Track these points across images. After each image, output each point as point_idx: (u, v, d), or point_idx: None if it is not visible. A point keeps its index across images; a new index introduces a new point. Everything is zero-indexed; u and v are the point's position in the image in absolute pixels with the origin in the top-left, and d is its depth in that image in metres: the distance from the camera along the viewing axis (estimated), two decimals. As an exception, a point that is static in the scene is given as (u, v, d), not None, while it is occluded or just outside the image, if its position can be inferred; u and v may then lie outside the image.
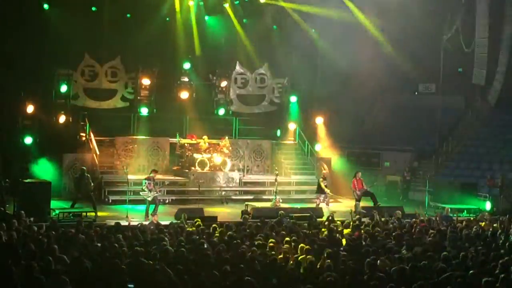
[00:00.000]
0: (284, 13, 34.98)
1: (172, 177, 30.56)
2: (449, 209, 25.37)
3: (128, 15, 32.66)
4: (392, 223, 21.49)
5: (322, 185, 27.30)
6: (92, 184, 25.76)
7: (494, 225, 21.74)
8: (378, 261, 14.93)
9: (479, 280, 13.19)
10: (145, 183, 24.67)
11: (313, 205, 27.92)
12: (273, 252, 15.65)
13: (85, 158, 29.46)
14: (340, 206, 28.72)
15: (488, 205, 28.80)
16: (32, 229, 18.08)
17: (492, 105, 34.58)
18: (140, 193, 24.92)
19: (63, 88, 31.24)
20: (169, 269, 13.94)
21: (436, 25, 33.82)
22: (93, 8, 31.83)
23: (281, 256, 15.19)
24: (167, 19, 33.81)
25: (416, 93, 36.82)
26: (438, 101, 36.14)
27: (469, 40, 34.64)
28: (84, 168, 26.13)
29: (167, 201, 27.98)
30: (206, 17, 34.73)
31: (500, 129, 35.09)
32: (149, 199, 24.54)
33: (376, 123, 33.32)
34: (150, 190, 24.56)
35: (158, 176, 26.08)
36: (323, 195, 27.34)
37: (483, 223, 22.05)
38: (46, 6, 30.58)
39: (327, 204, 26.96)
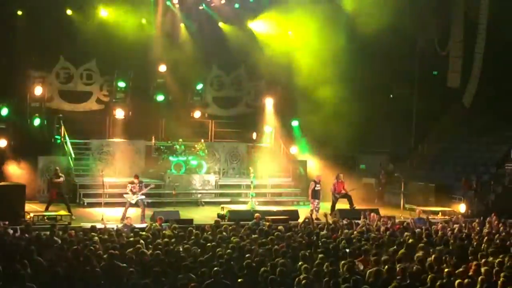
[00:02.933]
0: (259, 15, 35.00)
1: (148, 180, 30.45)
2: (421, 211, 25.47)
3: (104, 17, 32.49)
4: (368, 225, 21.55)
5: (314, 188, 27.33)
6: (58, 180, 25.46)
7: (469, 227, 21.89)
8: (354, 263, 14.99)
9: (453, 282, 13.29)
10: (129, 186, 24.69)
11: (289, 208, 28.16)
12: (248, 255, 15.65)
13: (60, 160, 29.30)
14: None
15: (462, 207, 28.97)
16: (6, 233, 17.97)
17: (466, 108, 34.79)
18: (124, 195, 24.90)
19: (38, 91, 31.08)
20: (145, 272, 13.92)
21: (411, 28, 33.97)
22: (68, 12, 31.67)
23: (257, 258, 15.19)
24: (143, 20, 33.68)
25: (391, 95, 36.94)
26: (413, 104, 36.35)
27: (444, 43, 34.85)
28: (57, 168, 26.00)
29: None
30: (182, 20, 34.66)
31: (475, 132, 35.32)
32: (133, 202, 24.53)
33: (352, 125, 33.37)
34: (134, 193, 24.55)
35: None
36: (317, 200, 27.24)
37: (457, 225, 22.18)
38: (19, 12, 30.42)
39: (317, 211, 26.87)
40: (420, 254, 15.71)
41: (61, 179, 25.58)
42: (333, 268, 14.29)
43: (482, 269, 14.03)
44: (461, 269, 14.30)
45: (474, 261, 15.15)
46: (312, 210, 26.72)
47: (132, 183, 24.87)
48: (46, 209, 24.69)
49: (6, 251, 15.48)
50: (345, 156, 35.23)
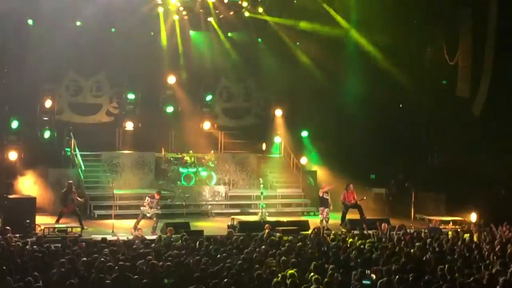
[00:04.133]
0: (268, 26, 35.03)
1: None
2: (438, 221, 25.40)
3: (113, 30, 32.62)
4: (379, 235, 21.50)
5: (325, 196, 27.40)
6: (80, 199, 25.78)
7: (480, 235, 21.78)
8: (365, 273, 14.95)
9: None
10: (148, 200, 24.79)
11: (299, 218, 28.13)
12: (258, 266, 15.61)
13: (70, 173, 29.39)
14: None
15: (473, 217, 28.84)
16: (17, 245, 18.00)
17: (476, 117, 34.68)
18: (141, 207, 25.01)
19: (48, 103, 31.13)
20: (156, 283, 13.92)
21: (420, 38, 33.97)
22: (78, 23, 31.76)
23: (268, 270, 15.16)
24: (152, 33, 33.81)
25: (400, 105, 36.89)
26: (423, 113, 36.26)
27: (453, 52, 34.81)
28: (71, 182, 26.09)
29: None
30: (191, 31, 34.76)
31: (485, 141, 35.18)
32: (148, 215, 24.71)
33: (362, 135, 33.37)
34: (150, 207, 24.68)
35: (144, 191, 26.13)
36: (326, 209, 27.24)
37: (469, 234, 22.09)
38: (30, 22, 30.55)
39: (327, 221, 26.84)
40: (441, 265, 15.67)
41: (82, 199, 26.05)
42: (344, 278, 14.27)
43: (500, 279, 13.97)
44: (473, 279, 14.24)
45: (486, 271, 15.08)
46: (321, 221, 26.67)
47: (152, 197, 25.03)
48: (57, 222, 24.74)
49: (18, 264, 15.49)
50: (354, 166, 35.15)
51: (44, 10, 28.80)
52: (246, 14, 34.42)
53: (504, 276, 14.36)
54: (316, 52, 34.35)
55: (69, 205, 25.13)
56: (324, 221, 26.64)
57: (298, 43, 35.46)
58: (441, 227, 26.40)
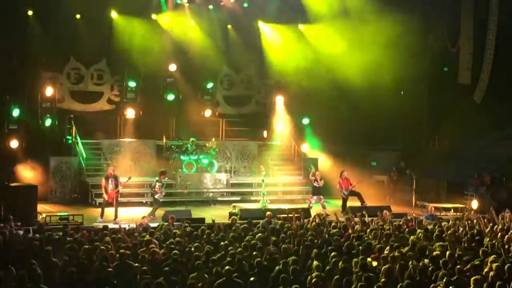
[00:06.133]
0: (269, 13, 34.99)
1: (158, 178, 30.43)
2: (433, 208, 25.41)
3: (113, 17, 32.55)
4: (379, 222, 21.48)
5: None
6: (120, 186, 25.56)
7: (480, 223, 21.74)
8: (367, 260, 14.95)
9: (467, 279, 13.24)
10: (157, 185, 24.86)
11: (300, 206, 28.09)
12: (259, 253, 15.61)
13: (71, 161, 29.42)
14: (327, 206, 28.50)
15: (474, 204, 28.85)
16: (19, 233, 18.03)
17: (477, 104, 34.68)
18: (155, 196, 25.28)
19: (49, 91, 31.10)
20: (157, 271, 13.94)
21: (421, 25, 33.90)
22: (77, 16, 31.73)
23: (269, 257, 15.18)
24: (153, 16, 33.63)
25: (402, 92, 36.88)
26: (424, 101, 36.26)
27: (454, 39, 34.76)
28: (113, 168, 26.11)
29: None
30: (192, 19, 34.68)
31: (486, 128, 35.19)
32: (161, 200, 24.91)
33: (363, 122, 33.36)
34: (161, 192, 24.84)
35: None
36: (315, 197, 27.35)
37: (470, 221, 22.06)
38: (30, 12, 30.55)
39: (324, 208, 26.88)
40: (436, 252, 15.66)
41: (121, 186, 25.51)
42: (346, 266, 14.27)
43: (493, 265, 13.97)
44: (474, 266, 14.24)
45: (488, 258, 15.06)
46: (309, 207, 26.78)
47: (159, 181, 25.14)
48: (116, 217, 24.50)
49: (19, 252, 15.52)
50: (356, 153, 35.16)
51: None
52: (245, 4, 34.39)
53: (506, 263, 14.36)
54: (316, 38, 34.35)
55: (111, 192, 24.97)
56: (321, 208, 26.66)
57: (301, 26, 35.39)
58: (442, 214, 26.41)
